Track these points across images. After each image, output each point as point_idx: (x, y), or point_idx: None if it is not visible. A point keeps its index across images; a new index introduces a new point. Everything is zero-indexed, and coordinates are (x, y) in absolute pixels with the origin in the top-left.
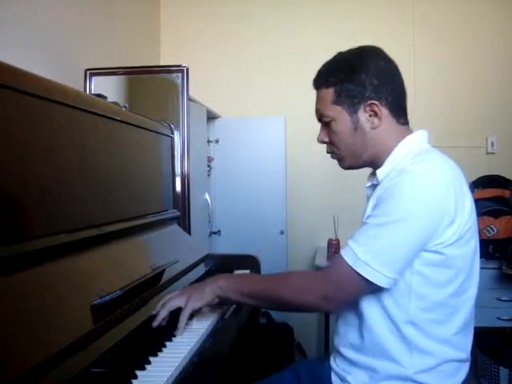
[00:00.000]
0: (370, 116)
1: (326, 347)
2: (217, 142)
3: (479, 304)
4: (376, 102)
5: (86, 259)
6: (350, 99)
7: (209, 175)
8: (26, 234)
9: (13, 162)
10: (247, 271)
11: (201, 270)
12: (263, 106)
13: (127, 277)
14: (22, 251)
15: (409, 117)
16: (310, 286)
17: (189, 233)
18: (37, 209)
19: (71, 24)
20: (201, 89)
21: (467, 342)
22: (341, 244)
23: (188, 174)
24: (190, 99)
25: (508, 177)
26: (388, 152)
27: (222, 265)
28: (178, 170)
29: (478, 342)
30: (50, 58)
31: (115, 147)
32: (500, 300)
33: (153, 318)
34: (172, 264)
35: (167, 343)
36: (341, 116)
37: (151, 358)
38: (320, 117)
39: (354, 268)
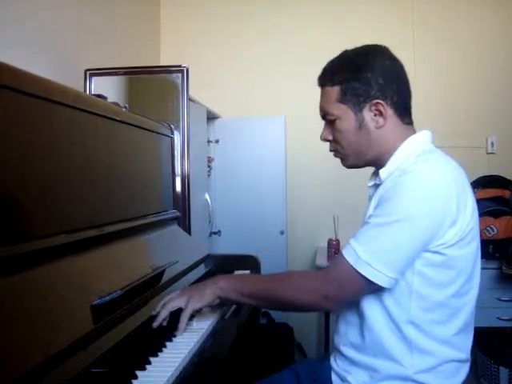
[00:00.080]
0: (375, 115)
1: (326, 347)
2: (217, 142)
3: (479, 304)
4: (381, 102)
5: (86, 259)
6: (356, 98)
7: (209, 175)
8: (26, 234)
9: (13, 163)
10: (247, 271)
11: (201, 270)
12: (263, 106)
13: (127, 277)
14: (23, 251)
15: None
16: (310, 285)
17: (189, 233)
18: (37, 209)
19: (71, 24)
20: (201, 89)
21: (467, 342)
22: (341, 244)
23: (188, 175)
24: (190, 99)
25: (508, 177)
26: (391, 152)
27: (222, 265)
28: (178, 170)
29: (478, 342)
30: (50, 58)
31: (115, 147)
32: (500, 300)
33: (153, 318)
34: (172, 264)
35: (167, 343)
36: (345, 114)
37: (151, 358)
38: (324, 115)
39: (355, 267)
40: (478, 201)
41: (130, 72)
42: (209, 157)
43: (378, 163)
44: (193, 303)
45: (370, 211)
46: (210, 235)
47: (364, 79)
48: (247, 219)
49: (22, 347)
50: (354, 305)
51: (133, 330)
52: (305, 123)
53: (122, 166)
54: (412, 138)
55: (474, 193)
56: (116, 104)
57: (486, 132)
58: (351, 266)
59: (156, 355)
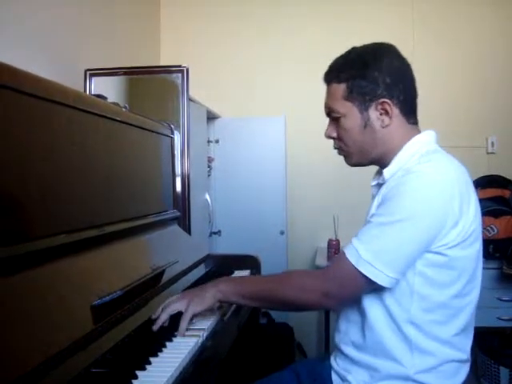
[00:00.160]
0: (381, 114)
1: (327, 347)
2: (217, 142)
3: (479, 304)
4: (388, 101)
5: (86, 259)
6: (362, 96)
7: (209, 175)
8: (26, 234)
9: (13, 163)
10: (247, 271)
11: (201, 270)
12: (263, 106)
13: (127, 277)
14: (23, 252)
15: None
16: (311, 284)
17: (189, 233)
18: (37, 209)
19: (71, 24)
20: (201, 89)
21: (468, 342)
22: (341, 244)
23: (188, 175)
24: (190, 99)
25: (508, 177)
26: (395, 151)
27: (222, 265)
28: (178, 171)
29: (478, 342)
30: (50, 58)
31: (115, 147)
32: (500, 300)
33: (153, 321)
34: (172, 264)
35: (167, 343)
36: (351, 112)
37: (151, 359)
38: (329, 112)
39: (357, 266)
40: (479, 201)
41: (130, 72)
42: (209, 157)
43: (381, 162)
44: (193, 307)
45: (373, 210)
46: (210, 235)
47: (371, 78)
48: (247, 219)
49: (22, 347)
50: (355, 304)
51: (133, 330)
52: (305, 123)
53: (122, 165)
54: (416, 138)
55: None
56: (116, 104)
57: (486, 132)
58: (352, 264)
59: (156, 355)
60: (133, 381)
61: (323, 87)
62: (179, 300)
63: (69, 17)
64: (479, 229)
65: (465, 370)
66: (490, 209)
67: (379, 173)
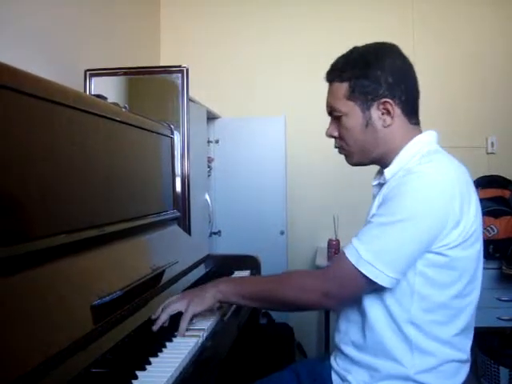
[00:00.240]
0: (383, 114)
1: (327, 347)
2: (217, 142)
3: (479, 304)
4: (390, 101)
5: (86, 260)
6: (364, 95)
7: (209, 175)
8: (26, 234)
9: (13, 163)
10: (247, 272)
11: (201, 270)
12: (263, 106)
13: (127, 277)
14: (23, 252)
15: None
16: (311, 284)
17: (189, 233)
18: (37, 209)
19: (71, 24)
20: (201, 89)
21: (468, 342)
22: (341, 244)
23: (188, 175)
24: (189, 99)
25: (508, 177)
26: (397, 151)
27: (222, 265)
28: (178, 171)
29: (478, 342)
30: (50, 58)
31: (115, 148)
32: (500, 300)
33: (153, 321)
34: (172, 264)
35: (167, 344)
36: (353, 112)
37: (151, 359)
38: (331, 111)
39: (357, 267)
40: (479, 201)
41: (130, 72)
42: (209, 157)
43: (382, 162)
44: (193, 307)
45: (373, 210)
46: (210, 235)
47: (373, 77)
48: (247, 219)
49: (22, 347)
50: (355, 304)
51: (133, 331)
52: (305, 123)
53: (122, 166)
54: (417, 138)
55: None
56: (116, 104)
57: (486, 132)
58: (353, 264)
59: (156, 355)
60: (133, 381)
61: (323, 87)
62: (179, 300)
63: (69, 17)
64: (480, 229)
65: (465, 370)
66: (490, 209)
67: (380, 172)
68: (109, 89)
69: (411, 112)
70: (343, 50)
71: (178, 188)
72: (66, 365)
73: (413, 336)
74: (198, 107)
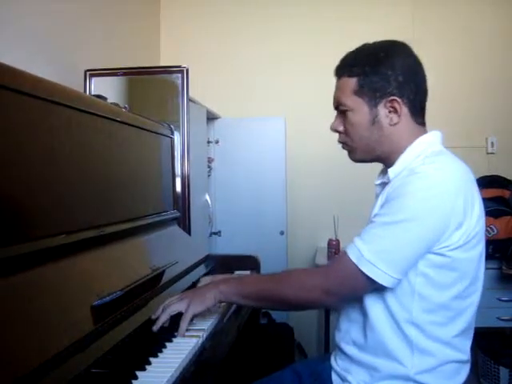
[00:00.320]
0: (390, 112)
1: (327, 347)
2: (217, 142)
3: (479, 304)
4: (398, 99)
5: (86, 260)
6: (373, 92)
7: (209, 176)
8: (26, 234)
9: (13, 163)
10: (247, 272)
11: (201, 270)
12: (263, 107)
13: (127, 277)
14: (23, 252)
15: None
16: (311, 281)
17: (189, 233)
18: (37, 209)
19: (71, 24)
20: (201, 89)
21: (468, 343)
22: (341, 244)
23: (188, 175)
24: (189, 100)
25: (508, 177)
26: (401, 150)
27: (222, 265)
28: (178, 171)
29: (478, 342)
30: (50, 58)
31: (115, 148)
32: (500, 300)
33: (153, 322)
34: (172, 265)
35: (167, 344)
36: (360, 107)
37: (151, 359)
38: (337, 105)
39: (358, 266)
40: None
41: (130, 72)
42: (209, 157)
43: (386, 160)
44: (193, 307)
45: (376, 210)
46: (210, 235)
47: (383, 75)
48: (247, 219)
49: (22, 347)
50: (356, 303)
51: (133, 331)
52: (305, 123)
53: (122, 166)
54: (422, 139)
55: None
56: (116, 104)
57: (486, 132)
58: (354, 263)
59: (156, 356)
60: (133, 381)
61: (323, 87)
62: (179, 300)
63: (69, 17)
64: (483, 231)
65: (465, 370)
66: (490, 209)
67: (383, 172)
68: (109, 89)
69: (418, 112)
70: (343, 50)
71: (178, 188)
72: (66, 365)
73: (413, 336)
74: (198, 107)
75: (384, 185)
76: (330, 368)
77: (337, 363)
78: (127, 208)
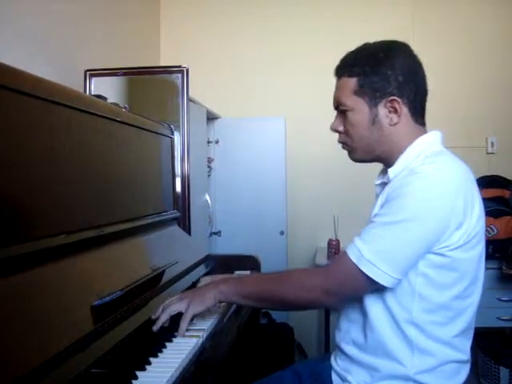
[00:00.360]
0: (390, 112)
1: (327, 347)
2: (217, 142)
3: (479, 304)
4: (398, 99)
5: (86, 260)
6: (373, 92)
7: (209, 176)
8: (26, 234)
9: (13, 163)
10: (248, 272)
11: (201, 270)
12: (263, 107)
13: (127, 278)
14: (23, 252)
15: None
16: (311, 282)
17: (189, 233)
18: (37, 209)
19: (71, 24)
20: (201, 89)
21: (468, 343)
22: (341, 244)
23: (188, 175)
24: (189, 100)
25: (508, 177)
26: (401, 150)
27: (222, 265)
28: (178, 171)
29: (478, 342)
30: (50, 58)
31: (115, 148)
32: (500, 300)
33: (153, 322)
34: (172, 265)
35: (167, 344)
36: (360, 107)
37: (151, 359)
38: (337, 105)
39: (358, 266)
40: None
41: (130, 72)
42: (209, 157)
43: (386, 160)
44: (193, 307)
45: (376, 210)
46: (210, 235)
47: (383, 75)
48: (247, 219)
49: (22, 347)
50: (356, 303)
51: (133, 331)
52: (305, 123)
53: (122, 166)
54: (422, 139)
55: None
56: (116, 104)
57: (486, 132)
58: (354, 263)
59: (156, 356)
60: (133, 381)
61: (323, 87)
62: (179, 300)
63: (69, 17)
64: (483, 231)
65: (465, 370)
66: (490, 209)
67: (384, 172)
68: (109, 89)
69: (418, 112)
70: (343, 50)
71: (178, 188)
72: (66, 365)
73: (413, 336)
74: (198, 107)
75: (384, 185)
76: (330, 368)
77: (337, 363)
78: (127, 208)
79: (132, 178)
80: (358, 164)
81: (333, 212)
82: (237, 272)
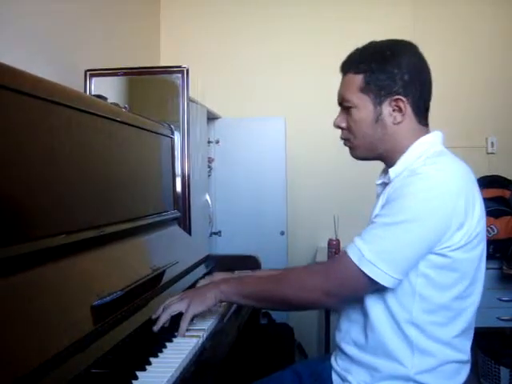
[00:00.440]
0: (394, 111)
1: (327, 347)
2: (217, 142)
3: (479, 304)
4: (403, 98)
5: (86, 260)
6: (378, 90)
7: (209, 176)
8: (26, 234)
9: (13, 163)
10: (249, 271)
11: (201, 270)
12: (263, 107)
13: (128, 278)
14: (23, 252)
15: None
16: (311, 282)
17: (189, 233)
18: (37, 209)
19: (71, 24)
20: (201, 89)
21: (468, 343)
22: (341, 244)
23: (188, 175)
24: (190, 100)
25: (508, 177)
26: (403, 150)
27: (222, 265)
28: (178, 171)
29: (478, 342)
30: (50, 58)
31: (115, 148)
32: (500, 300)
33: (153, 322)
34: (172, 265)
35: (168, 344)
36: (364, 105)
37: (151, 359)
38: (342, 101)
39: (359, 266)
40: None
41: (130, 72)
42: (209, 157)
43: (387, 159)
44: (194, 307)
45: (377, 210)
46: (211, 235)
47: (389, 73)
48: (247, 219)
49: (22, 347)
50: (357, 303)
51: (133, 331)
52: (305, 123)
53: (122, 166)
54: (423, 139)
55: None
56: (116, 104)
57: (486, 132)
58: (355, 264)
59: (156, 356)
60: (133, 381)
61: (323, 87)
62: (180, 300)
63: (69, 17)
64: (484, 232)
65: (465, 370)
66: (490, 209)
67: (385, 172)
68: (109, 89)
69: (422, 113)
70: (343, 50)
71: (178, 188)
72: (66, 365)
73: (413, 337)
74: (198, 107)
75: (385, 185)
76: (331, 368)
77: (337, 363)
78: (127, 208)
79: (132, 178)
80: (358, 164)
81: (333, 212)
82: (237, 272)
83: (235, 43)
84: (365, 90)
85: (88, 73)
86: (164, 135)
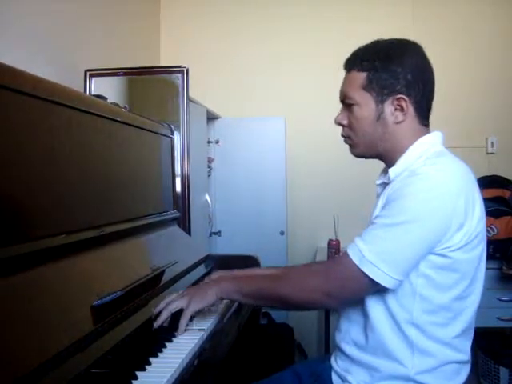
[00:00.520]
0: (396, 110)
1: (327, 347)
2: (217, 142)
3: (479, 304)
4: (405, 98)
5: (86, 260)
6: (381, 88)
7: (209, 176)
8: (26, 234)
9: (13, 163)
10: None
11: (201, 270)
12: (263, 107)
13: (127, 278)
14: (23, 252)
15: None
16: (312, 283)
17: (189, 233)
18: (37, 209)
19: (71, 24)
20: (201, 89)
21: (468, 344)
22: (341, 244)
23: (188, 175)
24: (189, 100)
25: (508, 177)
26: (403, 150)
27: (222, 265)
28: (178, 171)
29: (478, 342)
30: (50, 58)
31: (115, 148)
32: (500, 300)
33: (154, 318)
34: (172, 265)
35: (167, 344)
36: (366, 102)
37: (151, 359)
38: (344, 98)
39: (360, 267)
40: None
41: (130, 72)
42: (209, 157)
43: (387, 159)
44: (194, 304)
45: (377, 211)
46: (210, 235)
47: (393, 72)
48: (247, 219)
49: (22, 347)
50: (357, 304)
51: (133, 331)
52: (305, 123)
53: (122, 166)
54: (423, 139)
55: None
56: (116, 104)
57: (486, 132)
58: (356, 265)
59: (156, 356)
60: (133, 381)
61: (323, 87)
62: (180, 297)
63: (69, 17)
64: (484, 232)
65: (465, 370)
66: (490, 209)
67: (385, 172)
68: (109, 89)
69: (423, 113)
70: (343, 50)
71: (178, 188)
72: (66, 365)
73: (414, 337)
74: (198, 107)
75: (385, 185)
76: (330, 368)
77: (337, 363)
78: (127, 208)
79: (132, 178)
80: (358, 164)
81: (333, 212)
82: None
83: (235, 43)
84: (368, 88)
85: (88, 73)
86: (164, 135)
